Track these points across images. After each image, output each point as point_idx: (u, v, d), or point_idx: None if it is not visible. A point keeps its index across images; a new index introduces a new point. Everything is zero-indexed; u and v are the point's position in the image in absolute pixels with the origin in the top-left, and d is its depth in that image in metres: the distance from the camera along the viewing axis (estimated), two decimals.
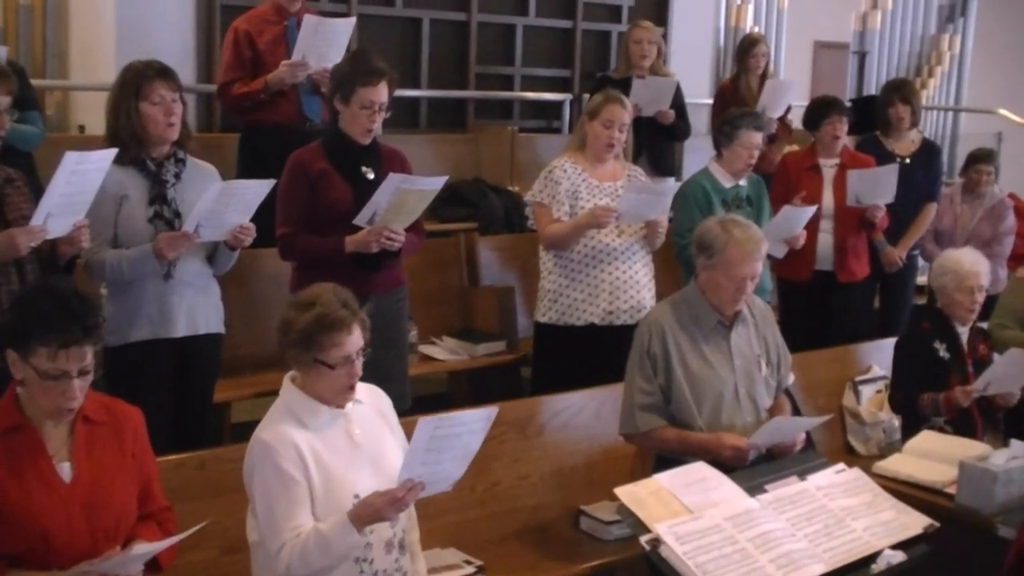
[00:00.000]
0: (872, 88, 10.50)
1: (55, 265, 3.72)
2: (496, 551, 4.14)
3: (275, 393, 4.53)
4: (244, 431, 4.58)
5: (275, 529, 2.96)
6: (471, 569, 4.00)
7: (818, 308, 6.06)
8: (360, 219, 4.25)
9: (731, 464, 3.74)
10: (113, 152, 3.81)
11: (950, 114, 11.77)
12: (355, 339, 3.02)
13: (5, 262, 3.60)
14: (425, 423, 2.90)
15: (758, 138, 5.47)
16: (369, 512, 2.94)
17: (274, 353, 4.75)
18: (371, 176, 4.39)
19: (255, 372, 4.99)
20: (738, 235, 3.89)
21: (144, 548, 2.78)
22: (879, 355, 5.53)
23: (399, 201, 4.23)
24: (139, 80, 4.02)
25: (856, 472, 3.66)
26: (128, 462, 2.87)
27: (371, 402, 3.22)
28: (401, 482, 2.92)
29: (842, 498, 3.47)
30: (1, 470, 2.71)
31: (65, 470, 2.77)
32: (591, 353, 4.92)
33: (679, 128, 6.74)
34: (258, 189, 4.06)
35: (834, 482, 3.54)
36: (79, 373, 2.70)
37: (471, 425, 3.01)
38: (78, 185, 3.63)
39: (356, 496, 3.00)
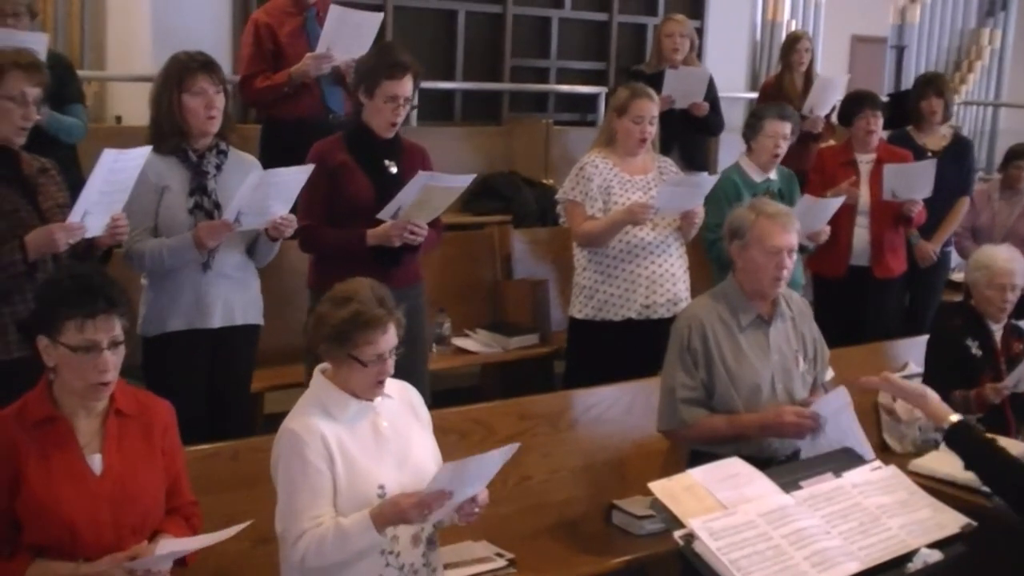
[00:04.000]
0: (910, 83, 10.40)
1: (91, 255, 3.73)
2: (527, 545, 4.13)
3: (306, 384, 4.57)
4: (277, 422, 4.61)
5: (295, 518, 2.96)
6: (502, 562, 4.00)
7: (853, 304, 6.01)
8: (384, 214, 4.25)
9: (793, 435, 3.71)
10: (148, 150, 3.83)
11: (989, 109, 11.66)
12: (389, 338, 3.02)
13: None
14: (443, 473, 2.91)
15: (783, 127, 5.43)
16: (394, 512, 2.94)
17: (300, 345, 4.81)
18: (393, 170, 4.39)
19: (286, 363, 4.99)
20: (768, 210, 3.89)
21: (173, 545, 2.77)
22: (915, 352, 5.47)
23: (424, 197, 4.22)
24: (182, 72, 4.04)
25: (892, 470, 3.61)
26: (157, 457, 2.88)
27: (400, 396, 3.21)
28: (432, 489, 2.91)
29: (877, 496, 3.42)
30: (31, 461, 2.71)
31: (95, 462, 2.78)
32: (627, 348, 4.90)
33: (712, 122, 6.70)
34: (298, 176, 4.07)
35: (870, 479, 3.50)
36: (110, 344, 2.70)
37: (490, 461, 3.01)
38: (115, 183, 3.65)
39: (381, 487, 3.00)
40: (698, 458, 3.72)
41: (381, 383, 3.05)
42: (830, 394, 3.83)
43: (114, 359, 2.73)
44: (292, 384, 4.83)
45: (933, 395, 3.49)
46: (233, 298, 4.17)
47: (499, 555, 4.01)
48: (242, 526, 2.88)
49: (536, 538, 4.23)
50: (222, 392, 4.20)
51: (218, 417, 4.15)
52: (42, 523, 2.70)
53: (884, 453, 5.07)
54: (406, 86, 4.32)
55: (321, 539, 2.92)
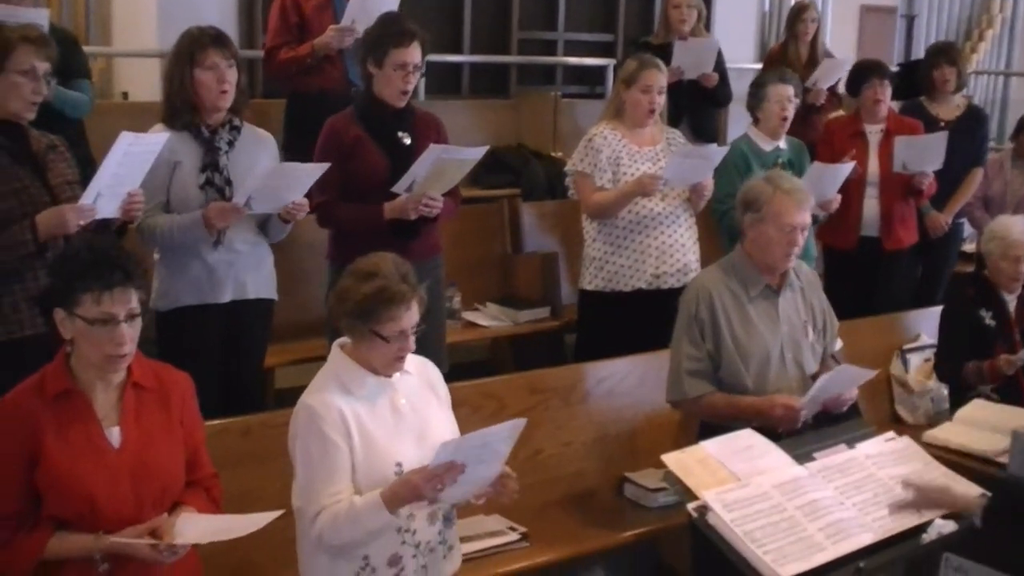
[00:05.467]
0: (920, 53, 10.32)
1: (107, 231, 3.72)
2: (539, 518, 4.13)
3: (318, 360, 4.55)
4: (288, 398, 4.60)
5: (313, 494, 2.96)
6: (514, 536, 4.00)
7: (864, 276, 5.98)
8: (399, 187, 4.25)
9: (782, 426, 3.70)
10: (165, 136, 3.83)
11: (1000, 79, 11.57)
12: (412, 315, 3.00)
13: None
14: (445, 449, 2.88)
15: (786, 90, 5.40)
16: (406, 490, 2.92)
17: (316, 320, 4.81)
18: (407, 141, 4.38)
19: (297, 339, 5.00)
20: (785, 185, 3.87)
21: (199, 533, 2.77)
22: (927, 323, 5.46)
23: (438, 170, 4.22)
24: (193, 47, 4.03)
25: (906, 441, 3.61)
26: (176, 429, 2.86)
27: (419, 373, 3.19)
28: (439, 461, 2.90)
29: (891, 467, 3.43)
30: (50, 435, 2.70)
31: (114, 435, 2.77)
32: (637, 319, 4.90)
33: (721, 93, 6.66)
34: (312, 172, 4.08)
35: (883, 451, 3.50)
36: (127, 317, 2.69)
37: (498, 435, 2.98)
38: (129, 166, 3.64)
39: (398, 465, 2.99)
40: (709, 430, 3.72)
41: (401, 359, 3.03)
42: (823, 377, 3.78)
43: (131, 332, 2.71)
44: (305, 360, 4.86)
45: (954, 484, 3.41)
46: (245, 273, 4.17)
47: (511, 529, 4.02)
48: (273, 515, 2.88)
49: (548, 511, 4.23)
50: (234, 367, 4.20)
51: (230, 392, 4.15)
52: (62, 496, 2.70)
53: (896, 425, 5.07)
54: (414, 53, 4.31)
55: (335, 518, 2.91)
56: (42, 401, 2.72)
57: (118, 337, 2.68)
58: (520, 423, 3.00)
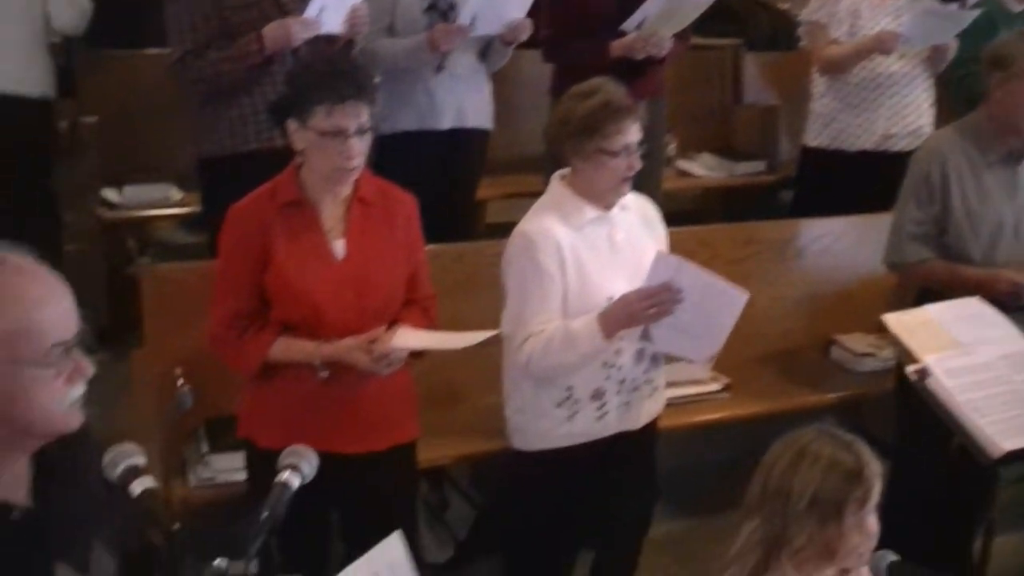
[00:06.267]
0: None
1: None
2: (743, 371, 4.10)
3: (531, 195, 4.54)
4: (498, 232, 4.64)
5: (522, 320, 2.96)
6: (717, 386, 3.98)
7: None
8: (628, 24, 4.18)
9: (1007, 301, 3.52)
10: None
11: None
12: (636, 130, 2.95)
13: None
14: (661, 262, 2.83)
15: None
16: (620, 309, 2.89)
17: (532, 156, 4.80)
18: None
19: (510, 173, 5.01)
20: None
21: (414, 339, 2.82)
22: None
23: (670, 10, 4.13)
24: None
25: None
26: (399, 246, 2.88)
27: (637, 209, 3.15)
28: (655, 279, 2.85)
29: None
30: (279, 241, 2.76)
31: (339, 247, 2.81)
32: (859, 180, 4.74)
33: None
34: None
35: None
36: (357, 131, 2.69)
37: (721, 293, 2.89)
38: None
39: (610, 299, 2.96)
40: (927, 299, 3.56)
41: (627, 181, 2.98)
42: None
43: (360, 146, 2.72)
44: (517, 195, 4.86)
45: None
46: (465, 100, 4.18)
47: (714, 379, 3.99)
48: (489, 334, 2.88)
49: (751, 365, 4.19)
50: (448, 196, 4.23)
51: (443, 221, 4.19)
52: (288, 301, 2.77)
53: None
54: None
55: (548, 341, 2.92)
56: (273, 208, 2.78)
57: (348, 150, 2.70)
58: (743, 298, 2.91)
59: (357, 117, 2.70)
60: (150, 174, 4.77)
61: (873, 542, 2.14)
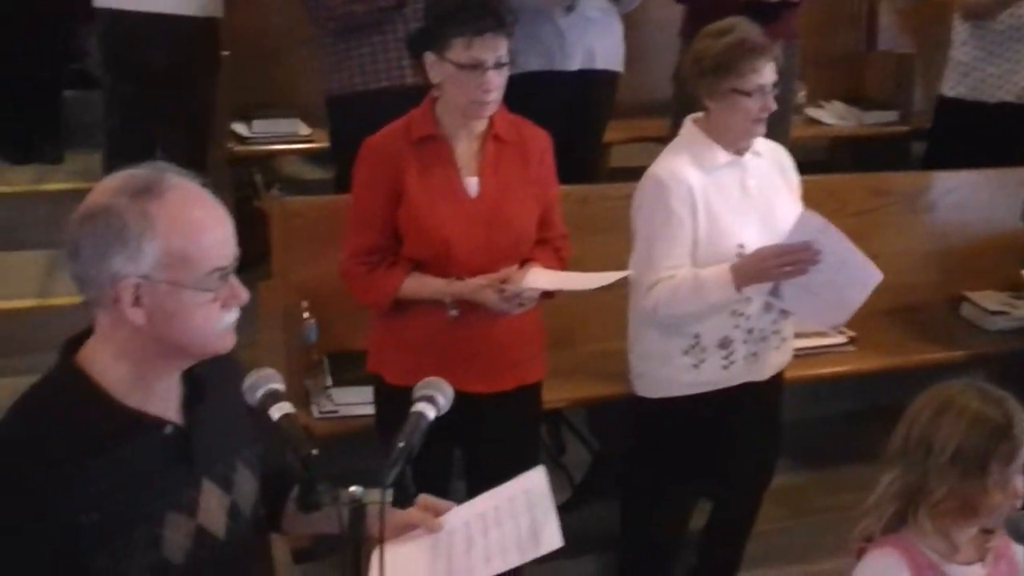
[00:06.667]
0: None
1: None
2: (868, 324, 3.99)
3: (656, 140, 4.50)
4: (622, 176, 4.60)
5: (650, 265, 2.93)
6: (842, 339, 3.92)
7: None
8: None
9: None
10: None
11: None
12: (771, 71, 2.88)
13: None
14: (804, 220, 2.76)
15: None
16: (754, 264, 2.85)
17: (659, 100, 4.73)
18: None
19: (636, 117, 4.94)
20: None
21: (546, 279, 2.79)
22: None
23: None
24: None
25: None
26: (532, 184, 2.85)
27: (771, 156, 3.09)
28: (793, 239, 2.79)
29: None
30: (412, 176, 2.75)
31: (472, 184, 2.79)
32: (997, 133, 4.60)
33: None
34: None
35: None
36: (495, 64, 2.67)
37: (857, 267, 2.82)
38: None
39: (740, 246, 2.92)
40: None
41: (760, 122, 2.92)
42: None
43: (498, 79, 2.70)
44: (643, 139, 4.81)
45: None
46: (595, 42, 4.13)
47: (839, 331, 3.91)
48: (620, 274, 2.85)
49: (878, 319, 4.10)
50: (574, 137, 4.18)
51: (569, 162, 4.16)
52: (420, 237, 2.77)
53: None
54: None
55: (676, 288, 2.89)
56: (407, 143, 2.77)
57: (485, 83, 2.68)
58: (877, 277, 2.84)
59: (495, 50, 2.67)
60: (277, 109, 4.82)
61: (1017, 503, 2.07)
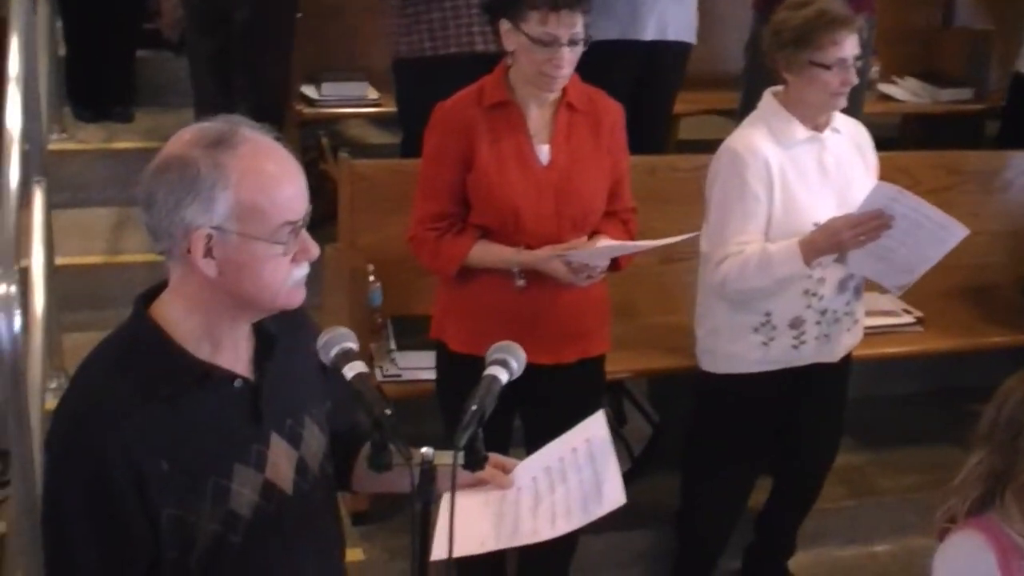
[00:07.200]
0: None
1: None
2: (936, 304, 3.98)
3: (725, 114, 4.46)
4: (688, 149, 4.56)
5: (722, 239, 2.91)
6: (909, 319, 3.87)
7: None
8: None
9: None
10: None
11: None
12: (852, 44, 2.83)
13: None
14: (878, 190, 2.72)
15: None
16: (825, 236, 2.82)
17: (729, 72, 4.68)
18: None
19: (705, 89, 4.88)
20: None
21: (612, 245, 2.77)
22: None
23: None
24: None
25: None
26: (603, 155, 2.82)
27: (849, 133, 3.04)
28: (867, 208, 2.75)
29: None
30: (484, 142, 2.73)
31: (543, 152, 2.76)
32: None
33: None
34: None
35: None
36: (569, 41, 2.64)
37: (937, 224, 2.78)
38: None
39: (815, 225, 2.88)
40: None
41: (839, 96, 2.88)
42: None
43: (571, 55, 2.67)
44: (712, 111, 4.76)
45: None
46: (668, 12, 4.09)
47: (907, 311, 3.86)
48: (681, 238, 2.82)
49: (946, 299, 4.06)
50: (644, 107, 4.14)
51: (637, 132, 4.13)
52: (488, 205, 2.75)
53: None
54: None
55: (745, 262, 2.86)
56: (479, 109, 2.75)
57: (557, 60, 2.64)
58: (962, 233, 2.81)
59: (571, 27, 2.63)
60: (346, 73, 4.82)
61: None
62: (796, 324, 2.97)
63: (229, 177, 1.57)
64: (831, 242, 2.81)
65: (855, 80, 2.86)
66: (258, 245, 1.60)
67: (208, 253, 1.59)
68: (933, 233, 2.80)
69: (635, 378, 3.80)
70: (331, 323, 1.80)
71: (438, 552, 1.61)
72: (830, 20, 2.80)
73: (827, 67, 2.81)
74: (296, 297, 1.68)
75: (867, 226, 2.75)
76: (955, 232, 2.79)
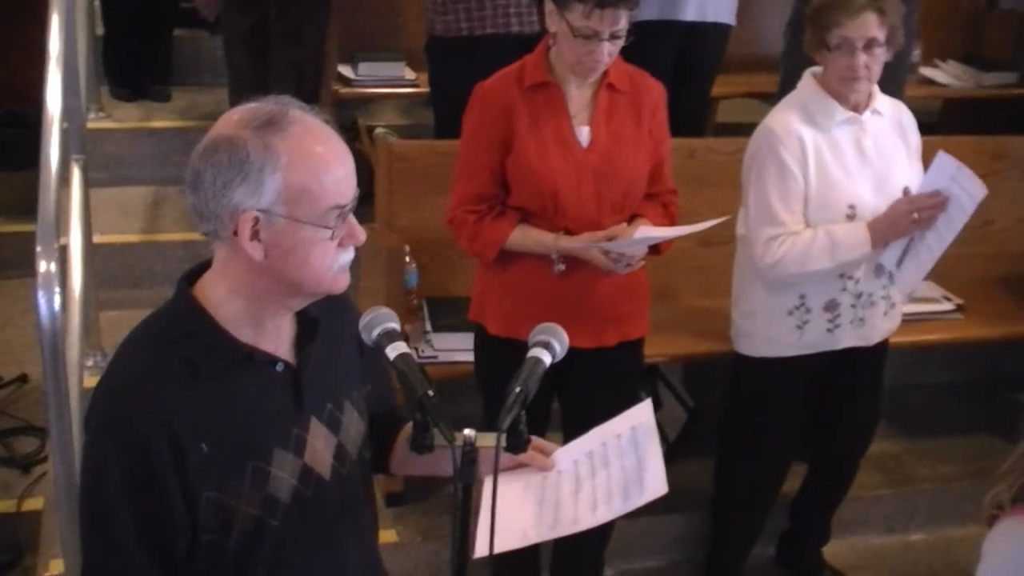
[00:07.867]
0: None
1: None
2: (977, 292, 3.94)
3: (763, 96, 4.41)
4: (727, 132, 4.52)
5: (771, 219, 2.87)
6: (949, 306, 3.83)
7: None
8: None
9: None
10: None
11: None
12: (872, 25, 2.77)
13: None
14: (941, 161, 2.69)
15: None
16: (887, 221, 2.80)
17: (769, 55, 4.63)
18: None
19: (744, 72, 4.84)
20: None
21: (651, 231, 2.73)
22: None
23: None
24: None
25: None
26: (644, 137, 2.79)
27: (891, 115, 3.00)
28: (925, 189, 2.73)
29: None
30: (523, 123, 2.70)
31: (583, 134, 2.73)
32: None
33: None
34: None
35: None
36: (610, 36, 2.60)
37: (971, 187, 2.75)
38: None
39: (851, 207, 2.86)
40: None
41: (856, 79, 2.82)
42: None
43: (611, 48, 2.62)
44: (750, 94, 4.72)
45: None
46: None
47: (947, 298, 3.82)
48: (715, 221, 2.78)
49: (987, 287, 4.03)
50: (682, 89, 4.11)
51: (675, 114, 4.10)
52: (528, 187, 2.72)
53: None
54: None
55: (808, 246, 2.83)
56: (519, 90, 2.72)
57: (597, 53, 2.61)
58: (982, 192, 2.76)
59: (614, 23, 2.59)
60: (383, 53, 4.80)
61: None
62: (831, 307, 2.95)
63: (278, 160, 1.55)
64: (890, 223, 2.80)
65: (875, 65, 2.81)
66: (305, 229, 1.58)
67: (255, 236, 1.57)
68: (960, 206, 2.77)
69: (671, 363, 3.78)
70: (367, 304, 1.78)
71: (481, 549, 1.59)
72: (841, 2, 2.77)
73: (833, 48, 2.80)
74: (341, 282, 1.66)
75: (921, 203, 2.74)
76: (976, 193, 2.76)
